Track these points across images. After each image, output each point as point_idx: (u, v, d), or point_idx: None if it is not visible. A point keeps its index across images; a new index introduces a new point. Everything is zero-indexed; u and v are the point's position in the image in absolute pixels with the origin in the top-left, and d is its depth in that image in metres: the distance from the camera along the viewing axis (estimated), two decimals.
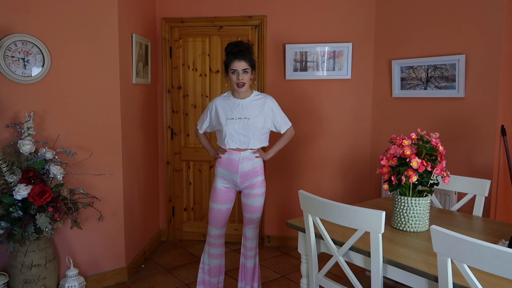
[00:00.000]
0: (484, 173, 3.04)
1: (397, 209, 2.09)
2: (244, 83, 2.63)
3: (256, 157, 2.72)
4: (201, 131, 2.89)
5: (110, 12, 3.03)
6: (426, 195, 2.07)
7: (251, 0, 3.88)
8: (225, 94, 2.80)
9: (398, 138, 2.10)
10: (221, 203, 2.75)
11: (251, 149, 2.69)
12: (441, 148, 2.06)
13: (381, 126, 3.84)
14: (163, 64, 4.04)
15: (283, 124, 2.81)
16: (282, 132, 2.85)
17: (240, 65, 2.60)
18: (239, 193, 2.83)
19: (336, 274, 2.95)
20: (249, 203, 2.76)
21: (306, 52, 3.85)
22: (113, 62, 3.08)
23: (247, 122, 2.65)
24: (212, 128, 2.83)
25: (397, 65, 3.61)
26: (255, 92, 2.76)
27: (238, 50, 2.62)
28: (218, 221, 2.77)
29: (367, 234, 1.74)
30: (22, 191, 2.48)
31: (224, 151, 2.71)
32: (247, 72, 2.62)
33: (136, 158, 3.53)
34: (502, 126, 3.02)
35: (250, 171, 2.70)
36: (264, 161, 2.80)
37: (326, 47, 3.84)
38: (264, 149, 2.84)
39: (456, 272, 1.45)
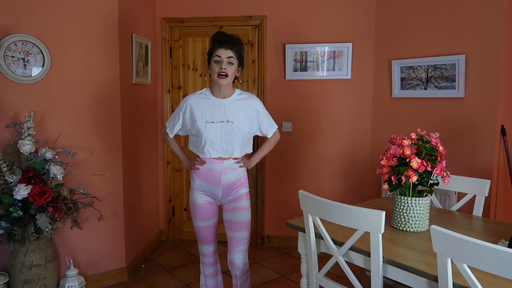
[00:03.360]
0: (484, 173, 3.04)
1: (397, 209, 2.09)
2: (227, 75, 2.23)
3: (240, 166, 2.37)
4: (171, 135, 2.46)
5: (110, 12, 3.03)
6: (426, 195, 2.07)
7: (251, 0, 3.88)
8: (200, 91, 2.38)
9: (398, 138, 2.10)
10: (207, 220, 2.43)
11: (234, 158, 2.34)
12: (441, 148, 2.06)
13: (381, 126, 3.84)
14: (163, 64, 4.04)
15: (270, 128, 2.45)
16: (268, 137, 2.48)
17: (226, 53, 2.23)
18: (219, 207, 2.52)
19: (336, 274, 2.95)
20: (235, 219, 2.38)
21: (306, 52, 3.85)
22: (113, 62, 3.08)
23: (230, 126, 2.27)
24: (185, 131, 2.42)
25: (397, 65, 3.61)
26: (238, 91, 2.37)
27: (227, 39, 2.26)
28: (208, 238, 2.47)
29: (367, 234, 1.74)
30: (22, 191, 2.48)
31: (202, 162, 2.34)
32: (233, 63, 2.25)
33: (136, 158, 3.53)
34: (502, 126, 3.02)
35: (234, 183, 2.35)
36: (247, 170, 2.45)
37: (326, 47, 3.83)
38: (247, 156, 2.49)
39: (456, 272, 1.45)
